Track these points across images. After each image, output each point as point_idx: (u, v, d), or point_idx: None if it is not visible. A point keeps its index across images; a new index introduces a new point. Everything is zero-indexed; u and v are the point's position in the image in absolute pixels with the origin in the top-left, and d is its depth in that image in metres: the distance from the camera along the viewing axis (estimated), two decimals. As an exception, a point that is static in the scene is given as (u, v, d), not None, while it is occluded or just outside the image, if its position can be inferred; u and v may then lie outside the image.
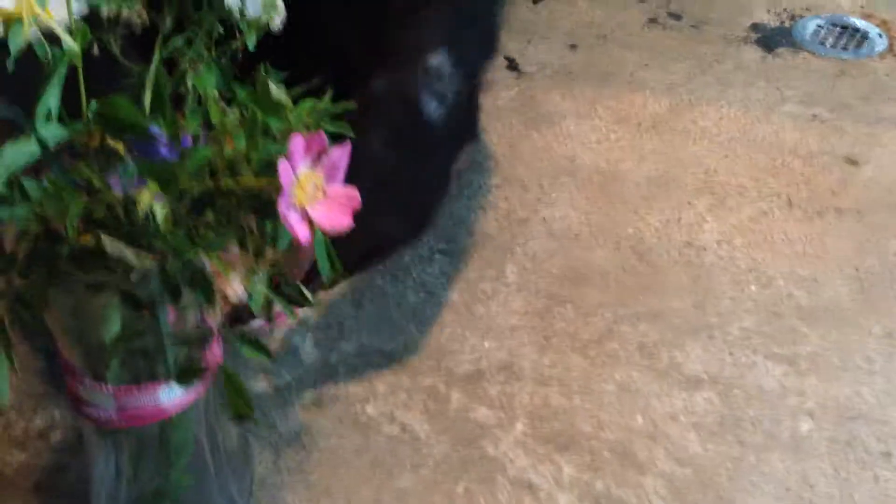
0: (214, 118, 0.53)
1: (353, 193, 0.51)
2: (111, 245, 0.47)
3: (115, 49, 0.62)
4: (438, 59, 0.89)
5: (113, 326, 0.61)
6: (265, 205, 0.50)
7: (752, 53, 1.46)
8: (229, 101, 0.60)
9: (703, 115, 1.31)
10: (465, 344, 0.96)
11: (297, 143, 0.47)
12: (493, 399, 0.90)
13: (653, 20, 1.56)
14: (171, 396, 0.69)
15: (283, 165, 0.47)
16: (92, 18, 0.59)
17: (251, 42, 0.60)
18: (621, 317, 0.98)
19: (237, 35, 0.61)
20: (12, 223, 0.57)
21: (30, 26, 0.52)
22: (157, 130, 0.54)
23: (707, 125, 1.29)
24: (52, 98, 0.56)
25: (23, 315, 0.58)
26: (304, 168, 0.49)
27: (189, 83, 0.58)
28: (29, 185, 0.56)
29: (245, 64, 0.63)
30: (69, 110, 0.59)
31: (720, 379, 0.91)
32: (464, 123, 0.95)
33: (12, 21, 0.52)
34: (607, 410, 0.87)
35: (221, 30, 0.61)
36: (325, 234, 0.51)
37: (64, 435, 0.90)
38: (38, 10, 0.52)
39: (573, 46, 1.49)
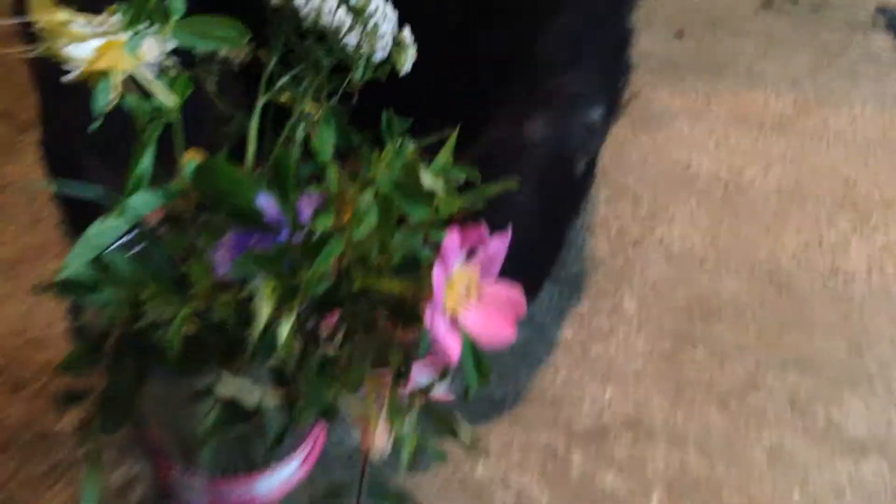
0: (333, 187, 0.43)
1: (516, 295, 0.40)
2: (227, 386, 0.37)
3: (211, 89, 0.51)
4: (598, 114, 0.82)
5: (209, 421, 0.51)
6: (405, 310, 0.39)
7: (882, 41, 1.31)
8: (342, 155, 0.50)
9: (834, 113, 1.17)
10: (583, 391, 0.85)
11: (453, 241, 0.37)
12: (621, 463, 0.78)
13: (767, 4, 1.42)
14: (269, 486, 0.59)
15: (437, 271, 0.36)
16: (183, 53, 0.49)
17: (358, 77, 0.49)
18: (764, 363, 0.86)
19: (349, 71, 0.51)
20: (100, 310, 0.48)
21: (118, 82, 0.42)
22: (269, 203, 0.43)
23: (840, 126, 1.15)
24: (144, 162, 0.45)
25: (112, 415, 0.49)
26: (456, 265, 0.39)
27: (298, 135, 0.47)
28: (119, 263, 0.46)
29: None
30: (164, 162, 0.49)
31: (890, 444, 0.79)
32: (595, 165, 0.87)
33: (97, 76, 0.42)
34: (758, 483, 0.76)
35: (328, 62, 0.50)
36: (477, 344, 0.40)
37: (144, 492, 0.81)
38: (128, 63, 0.41)
39: (679, 34, 1.35)
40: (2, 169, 1.15)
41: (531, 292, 0.82)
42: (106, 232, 0.45)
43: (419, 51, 0.50)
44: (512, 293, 0.40)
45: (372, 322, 0.40)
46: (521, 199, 0.77)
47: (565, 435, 0.81)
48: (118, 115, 0.47)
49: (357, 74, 0.48)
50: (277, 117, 0.49)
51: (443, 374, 0.43)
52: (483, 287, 0.40)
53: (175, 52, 0.48)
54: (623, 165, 1.12)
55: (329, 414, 0.41)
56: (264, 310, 0.37)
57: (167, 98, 0.45)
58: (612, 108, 0.86)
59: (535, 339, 0.90)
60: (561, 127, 0.80)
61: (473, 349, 0.41)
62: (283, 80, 0.48)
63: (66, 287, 0.46)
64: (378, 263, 0.39)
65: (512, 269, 0.75)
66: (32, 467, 0.78)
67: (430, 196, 0.40)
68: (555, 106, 0.80)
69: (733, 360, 0.86)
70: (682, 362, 0.86)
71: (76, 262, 0.45)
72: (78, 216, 0.76)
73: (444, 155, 0.48)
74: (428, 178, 0.40)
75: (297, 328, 0.41)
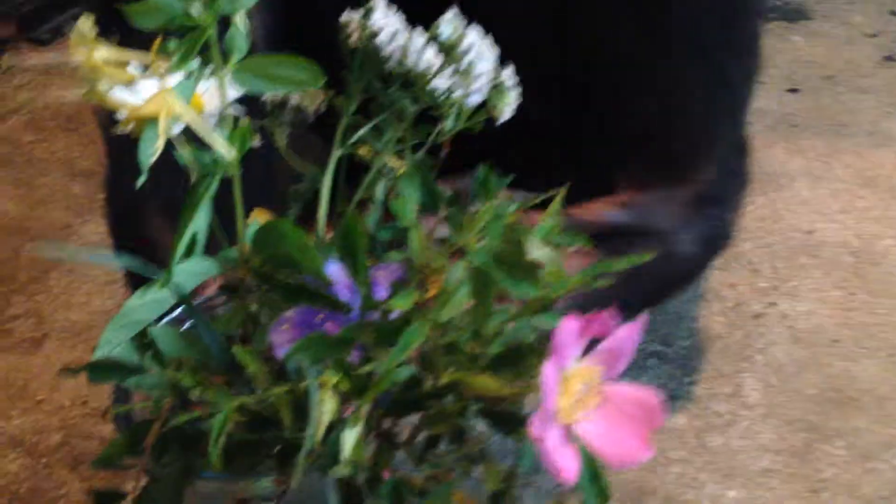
0: (417, 256, 0.34)
1: (651, 400, 0.31)
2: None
3: (281, 143, 0.44)
4: (726, 216, 0.77)
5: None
6: (503, 414, 0.31)
7: None
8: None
9: (975, 176, 1.05)
10: (701, 492, 0.74)
11: (570, 328, 0.28)
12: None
13: (888, 57, 1.31)
14: None
15: (548, 367, 0.28)
16: (251, 101, 0.42)
17: (448, 127, 0.42)
18: (915, 463, 0.74)
19: (438, 121, 0.43)
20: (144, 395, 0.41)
21: (167, 131, 0.35)
22: (339, 274, 0.36)
23: (983, 190, 1.03)
24: (195, 225, 0.38)
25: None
26: (573, 361, 0.30)
27: (377, 195, 0.40)
28: (164, 341, 0.39)
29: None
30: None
31: None
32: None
33: (144, 123, 0.35)
34: None
35: (413, 109, 0.42)
36: (597, 461, 0.31)
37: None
38: (179, 108, 0.34)
39: (794, 90, 1.25)
40: (81, 228, 1.12)
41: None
42: (147, 306, 0.38)
43: (524, 97, 0.42)
44: (646, 397, 0.31)
45: (461, 429, 0.31)
46: (686, 248, 0.70)
47: (680, 543, 0.70)
48: (181, 169, 0.40)
49: (448, 124, 0.40)
50: (355, 174, 0.42)
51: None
52: (607, 389, 0.31)
53: (241, 100, 0.41)
54: (738, 230, 1.01)
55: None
56: (326, 408, 0.29)
57: (226, 150, 0.38)
58: (734, 216, 0.80)
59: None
60: (692, 224, 0.73)
61: (593, 468, 0.31)
62: (362, 131, 0.41)
63: (100, 369, 0.38)
64: (471, 353, 0.31)
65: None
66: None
67: (535, 269, 0.31)
68: (690, 200, 0.73)
69: (877, 460, 0.74)
70: (817, 460, 0.75)
71: (112, 339, 0.38)
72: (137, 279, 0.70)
73: (552, 216, 0.39)
74: (536, 247, 0.31)
75: (368, 430, 0.33)
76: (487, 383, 0.30)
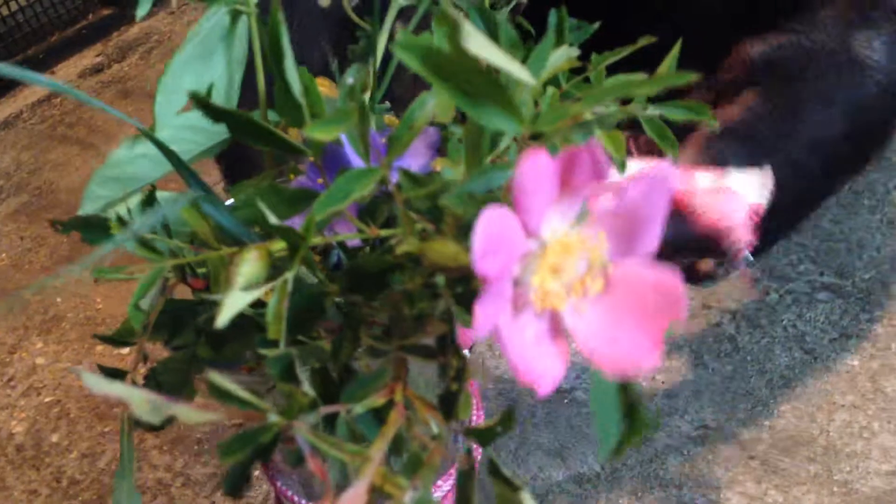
0: (417, 112, 0.27)
1: (672, 285, 0.21)
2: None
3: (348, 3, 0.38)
4: None
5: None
6: (468, 295, 0.23)
7: None
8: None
9: None
10: (871, 442, 0.62)
11: (536, 165, 0.19)
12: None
13: None
14: None
15: (488, 216, 0.19)
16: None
17: None
18: None
19: None
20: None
21: None
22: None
23: None
24: (214, 70, 0.33)
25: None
26: (557, 222, 0.22)
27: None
28: (168, 205, 0.35)
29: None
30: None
31: None
32: None
33: None
34: None
35: None
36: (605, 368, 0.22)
37: None
38: None
39: None
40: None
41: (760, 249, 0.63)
42: (138, 161, 0.33)
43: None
44: (666, 283, 0.22)
45: (420, 312, 0.24)
46: (815, 121, 0.57)
47: (841, 501, 0.59)
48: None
49: None
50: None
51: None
52: (616, 269, 0.22)
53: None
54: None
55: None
56: (241, 270, 0.23)
57: None
58: None
59: (807, 367, 0.68)
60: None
61: (612, 383, 0.23)
62: None
63: (88, 226, 0.34)
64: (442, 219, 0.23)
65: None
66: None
67: (499, 87, 0.22)
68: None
69: None
70: None
71: (98, 193, 0.33)
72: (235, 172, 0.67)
73: (657, 80, 0.29)
74: (482, 47, 0.21)
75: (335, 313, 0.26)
76: (444, 249, 0.22)
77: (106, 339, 0.35)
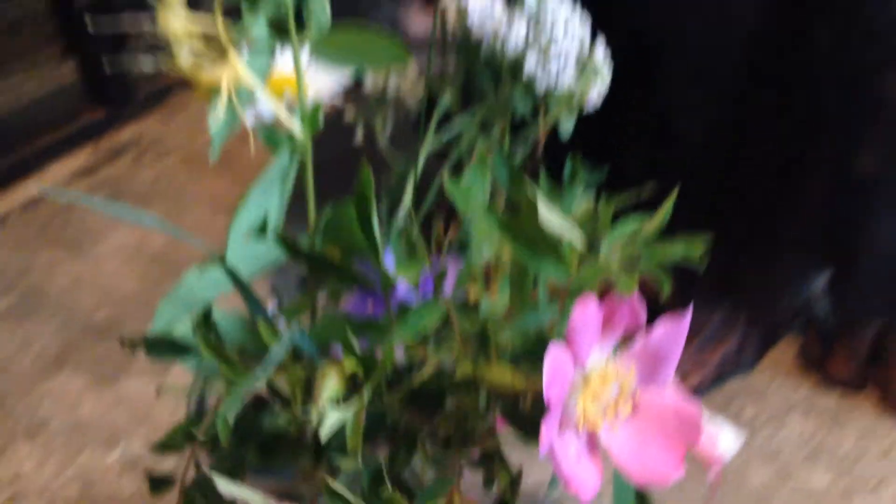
0: (476, 251, 0.31)
1: (691, 413, 0.25)
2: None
3: (382, 137, 0.42)
4: None
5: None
6: (523, 418, 0.26)
7: None
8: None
9: None
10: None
11: (587, 312, 0.23)
12: None
13: None
14: None
15: (553, 355, 0.23)
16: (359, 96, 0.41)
17: (566, 126, 0.38)
18: None
19: (540, 118, 0.40)
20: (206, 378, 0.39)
21: (231, 98, 0.33)
22: (392, 264, 0.33)
23: None
24: (258, 205, 0.36)
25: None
26: (598, 357, 0.25)
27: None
28: (224, 323, 0.37)
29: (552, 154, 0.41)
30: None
31: None
32: None
33: (214, 92, 0.34)
34: None
35: (524, 109, 0.39)
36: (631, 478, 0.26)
37: None
38: (245, 78, 0.32)
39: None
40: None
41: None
42: (206, 285, 0.36)
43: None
44: (686, 409, 0.25)
45: (475, 427, 0.27)
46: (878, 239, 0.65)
47: None
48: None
49: (550, 107, 0.37)
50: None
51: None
52: (642, 395, 0.26)
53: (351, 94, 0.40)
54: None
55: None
56: (327, 386, 0.26)
57: (296, 129, 0.36)
58: None
59: (777, 483, 0.71)
60: None
61: (632, 489, 0.26)
62: (459, 120, 0.38)
63: (158, 345, 0.37)
64: (500, 344, 0.27)
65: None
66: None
67: (555, 246, 0.27)
68: (889, 129, 0.67)
69: None
70: None
71: (167, 313, 0.36)
72: None
73: (653, 223, 0.33)
74: (553, 218, 0.26)
75: (392, 429, 0.29)
76: (503, 375, 0.25)
77: (161, 446, 0.37)
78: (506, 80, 0.38)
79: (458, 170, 0.41)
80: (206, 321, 0.39)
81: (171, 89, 1.64)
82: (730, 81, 0.72)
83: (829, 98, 0.72)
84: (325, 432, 0.25)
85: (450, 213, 0.41)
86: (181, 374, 0.94)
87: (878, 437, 0.74)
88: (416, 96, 0.44)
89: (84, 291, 1.11)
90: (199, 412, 0.42)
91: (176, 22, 0.34)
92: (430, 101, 0.43)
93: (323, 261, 0.30)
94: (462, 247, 0.39)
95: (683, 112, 0.73)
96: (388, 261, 0.35)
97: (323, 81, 0.39)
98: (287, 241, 0.29)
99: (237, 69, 0.34)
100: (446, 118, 0.42)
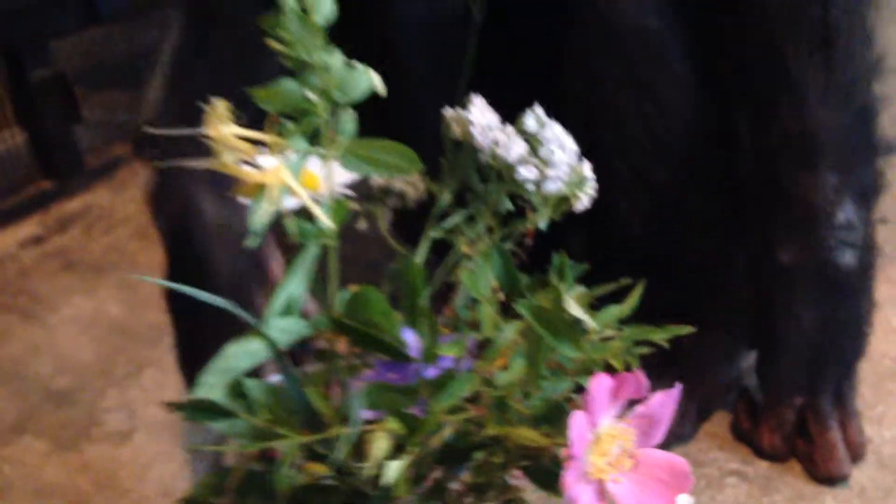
0: (486, 330, 0.37)
1: (681, 467, 0.32)
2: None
3: (383, 225, 0.48)
4: (846, 213, 0.76)
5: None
6: (542, 471, 0.32)
7: None
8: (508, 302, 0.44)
9: None
10: None
11: (601, 385, 0.30)
12: None
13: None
14: None
15: (576, 420, 0.29)
16: (360, 188, 0.47)
17: (544, 223, 0.44)
18: None
19: (527, 213, 0.46)
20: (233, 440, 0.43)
21: (277, 200, 0.39)
22: (413, 339, 0.38)
23: None
24: (295, 286, 0.42)
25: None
26: (606, 421, 0.32)
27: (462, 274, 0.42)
28: (255, 390, 0.42)
29: (534, 249, 0.48)
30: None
31: None
32: (873, 248, 0.83)
33: (257, 192, 0.39)
34: None
35: (510, 206, 0.45)
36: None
37: None
38: (290, 181, 0.38)
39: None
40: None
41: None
42: (245, 354, 0.41)
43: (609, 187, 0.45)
44: (676, 464, 0.32)
45: (503, 481, 0.33)
46: (804, 324, 0.77)
47: None
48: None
49: (534, 212, 0.43)
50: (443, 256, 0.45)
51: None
52: (640, 454, 0.32)
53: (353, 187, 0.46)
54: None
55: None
56: (379, 445, 0.31)
57: (326, 222, 0.42)
58: (864, 190, 0.79)
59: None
60: (806, 238, 0.75)
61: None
62: (456, 217, 0.44)
63: (196, 410, 0.41)
64: (517, 409, 0.32)
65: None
66: None
67: (575, 329, 0.33)
68: (802, 224, 0.75)
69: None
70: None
71: (209, 382, 0.41)
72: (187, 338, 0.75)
73: (619, 309, 0.40)
74: (575, 309, 0.33)
75: (421, 479, 0.35)
76: (529, 435, 0.31)
77: (187, 502, 0.41)
78: (500, 183, 0.45)
79: (441, 256, 0.47)
80: (238, 388, 0.43)
81: (119, 162, 1.67)
82: (667, 179, 0.80)
83: (752, 194, 0.80)
84: (386, 482, 0.30)
85: (444, 297, 0.47)
86: (143, 440, 0.96)
87: (807, 499, 0.81)
88: (417, 191, 0.50)
89: (41, 359, 1.12)
90: (219, 470, 0.46)
91: (224, 130, 0.40)
92: (430, 196, 0.49)
93: (367, 336, 0.36)
94: (455, 326, 0.45)
95: (623, 208, 0.81)
96: (409, 337, 0.41)
97: (337, 176, 0.45)
98: (335, 319, 0.35)
99: (281, 173, 0.40)
100: (443, 213, 0.48)
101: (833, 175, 0.76)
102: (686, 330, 0.35)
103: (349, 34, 0.44)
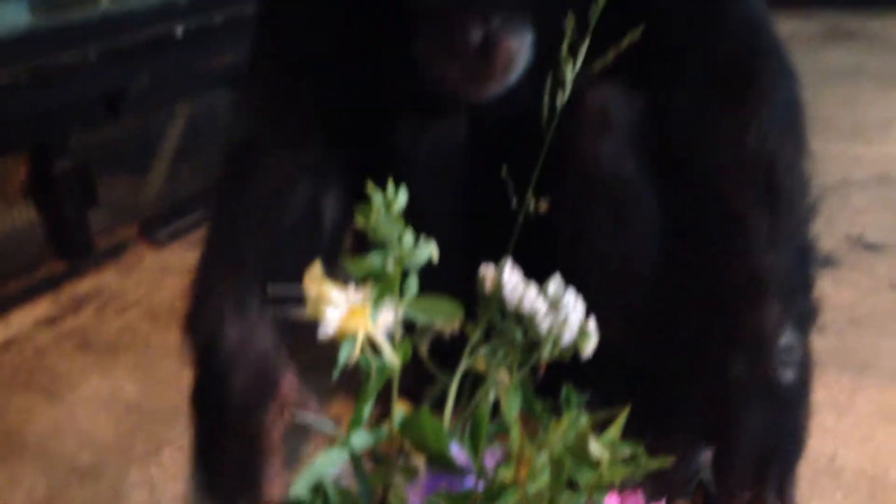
0: (516, 446, 0.51)
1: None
2: None
3: (423, 352, 0.62)
4: (787, 338, 0.91)
5: None
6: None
7: None
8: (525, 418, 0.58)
9: None
10: None
11: (611, 500, 0.44)
12: None
13: (910, 303, 1.46)
14: None
15: None
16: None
17: (545, 355, 0.58)
18: None
19: (538, 349, 0.60)
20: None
21: (361, 342, 0.52)
22: (460, 452, 0.52)
23: None
24: (367, 407, 0.55)
25: None
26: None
27: (490, 399, 0.56)
28: (332, 491, 0.55)
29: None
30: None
31: None
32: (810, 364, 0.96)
33: (345, 336, 0.53)
34: None
35: (522, 340, 0.60)
36: None
37: None
38: (370, 327, 0.52)
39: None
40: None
41: None
42: (331, 461, 0.54)
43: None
44: None
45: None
46: (753, 431, 0.90)
47: None
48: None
49: (545, 353, 0.57)
50: (473, 382, 0.58)
51: None
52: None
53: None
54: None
55: None
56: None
57: (392, 358, 0.55)
58: (803, 318, 0.94)
59: None
60: (755, 361, 0.90)
61: None
62: (483, 350, 0.58)
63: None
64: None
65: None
66: None
67: (596, 463, 0.47)
68: (751, 347, 0.90)
69: None
70: None
71: (304, 484, 0.54)
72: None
73: (614, 430, 0.54)
74: (596, 448, 0.47)
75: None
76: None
77: None
78: (521, 330, 0.59)
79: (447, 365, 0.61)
80: (320, 489, 0.56)
81: (127, 245, 1.78)
82: (641, 305, 0.96)
83: (709, 320, 0.96)
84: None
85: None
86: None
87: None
88: (452, 328, 0.65)
89: (64, 436, 1.21)
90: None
91: (320, 289, 0.54)
92: (462, 334, 0.63)
93: (433, 450, 0.49)
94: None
95: (602, 330, 0.96)
96: (456, 451, 0.54)
97: (387, 317, 0.59)
98: (418, 440, 0.48)
99: (367, 323, 0.54)
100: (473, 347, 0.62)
101: (777, 307, 0.92)
102: (666, 463, 0.50)
103: (371, 173, 0.58)
